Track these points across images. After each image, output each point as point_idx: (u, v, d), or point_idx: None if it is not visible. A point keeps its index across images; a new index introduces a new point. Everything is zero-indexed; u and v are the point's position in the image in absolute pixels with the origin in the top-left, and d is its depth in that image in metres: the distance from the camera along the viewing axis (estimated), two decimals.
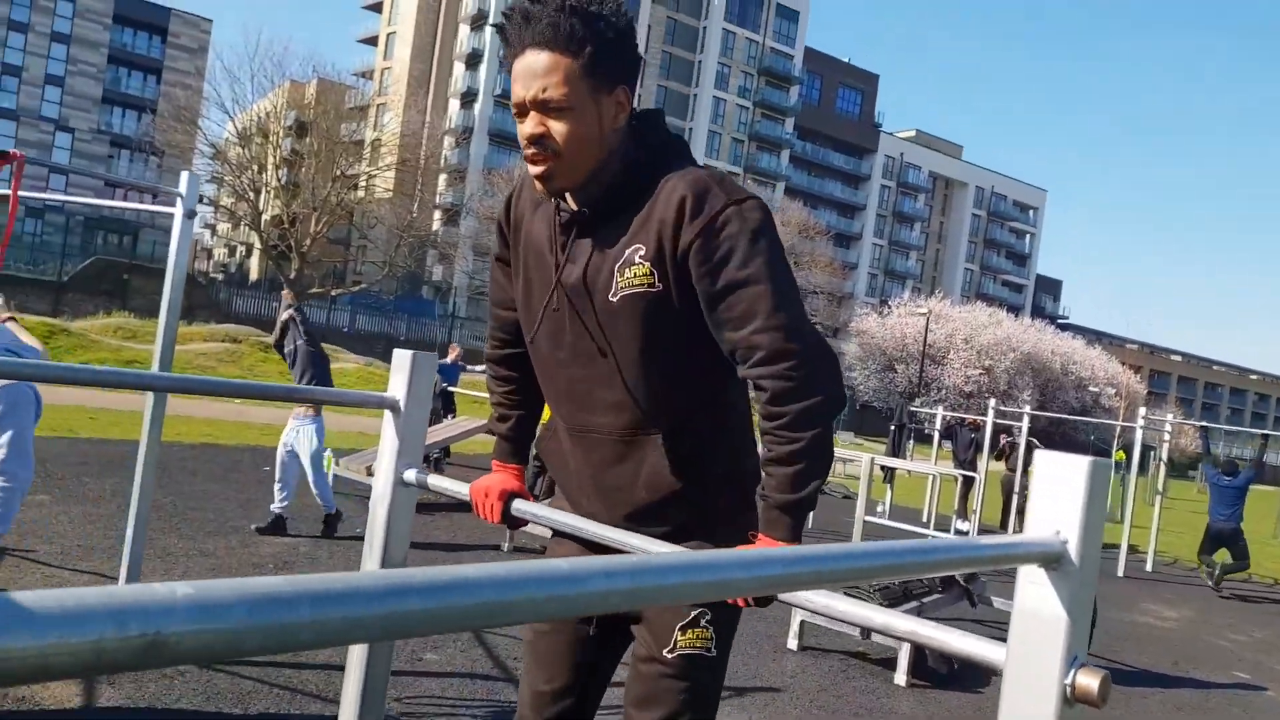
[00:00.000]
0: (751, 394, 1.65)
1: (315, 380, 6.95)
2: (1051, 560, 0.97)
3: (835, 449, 1.68)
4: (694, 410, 1.70)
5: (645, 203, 1.61)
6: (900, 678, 5.10)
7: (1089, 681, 0.96)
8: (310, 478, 7.00)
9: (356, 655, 1.77)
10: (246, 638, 0.38)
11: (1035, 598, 0.98)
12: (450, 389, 12.52)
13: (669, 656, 1.67)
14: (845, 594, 1.30)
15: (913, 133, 76.53)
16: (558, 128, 1.57)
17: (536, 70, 1.56)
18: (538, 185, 1.65)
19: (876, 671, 5.26)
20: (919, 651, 5.23)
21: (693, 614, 1.67)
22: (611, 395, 1.69)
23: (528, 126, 1.59)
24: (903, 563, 0.82)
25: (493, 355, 1.96)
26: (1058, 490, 0.99)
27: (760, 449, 1.66)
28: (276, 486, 6.86)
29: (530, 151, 1.60)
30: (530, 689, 1.83)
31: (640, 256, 1.61)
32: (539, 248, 1.74)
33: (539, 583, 0.48)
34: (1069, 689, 0.96)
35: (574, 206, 1.67)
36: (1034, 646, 0.97)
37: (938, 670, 5.25)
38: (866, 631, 5.35)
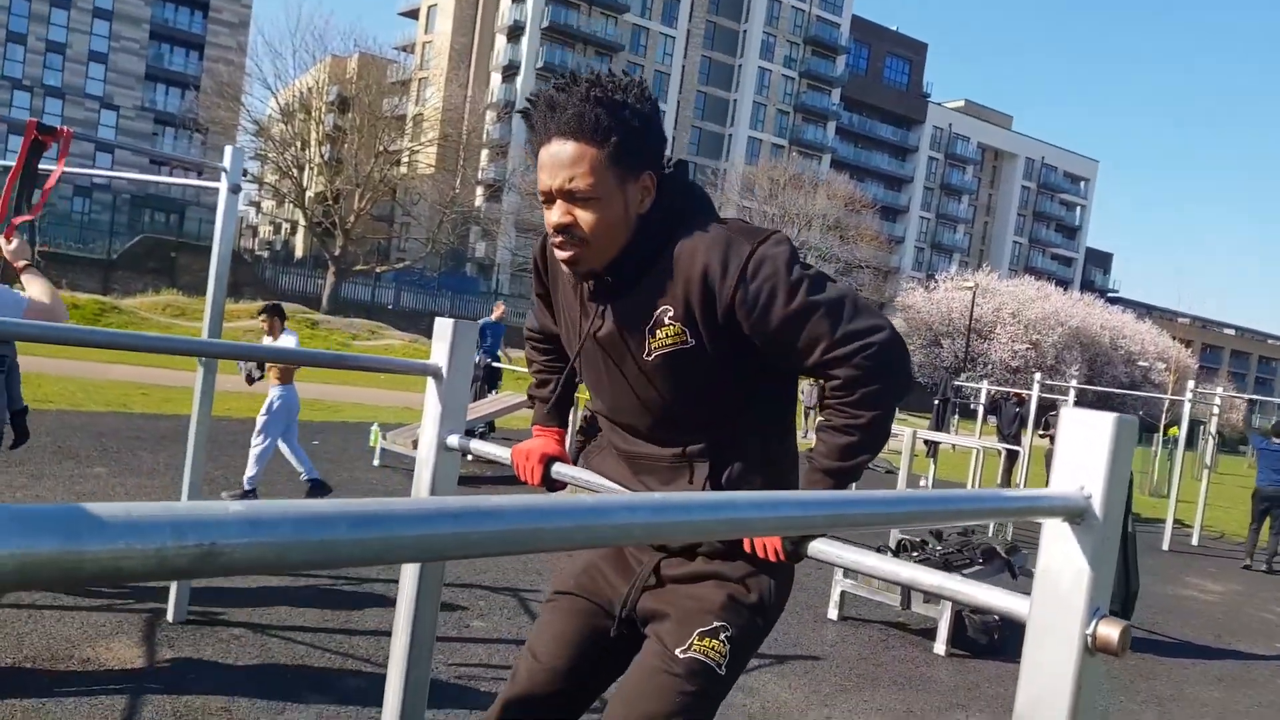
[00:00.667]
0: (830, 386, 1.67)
1: None
2: (1075, 514, 0.99)
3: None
4: (740, 439, 1.73)
5: (667, 265, 1.64)
6: (940, 647, 5.11)
7: (1109, 631, 0.98)
8: (282, 448, 7.14)
9: (403, 617, 1.83)
10: (292, 551, 0.42)
11: (1059, 551, 1.00)
12: (495, 364, 12.54)
13: (680, 655, 1.65)
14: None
15: (961, 103, 75.19)
16: (585, 217, 1.60)
17: (563, 160, 1.58)
18: (565, 269, 1.69)
19: (916, 641, 5.28)
20: (959, 621, 5.23)
21: (714, 624, 1.66)
22: (659, 434, 1.74)
23: (555, 215, 1.61)
24: (923, 510, 0.85)
25: (534, 325, 2.01)
26: (1083, 446, 1.01)
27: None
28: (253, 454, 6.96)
29: (558, 240, 1.63)
30: (531, 661, 1.79)
31: (669, 318, 1.64)
32: (570, 303, 1.78)
33: (566, 513, 0.51)
34: (1090, 639, 0.98)
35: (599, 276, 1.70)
36: (1057, 598, 0.99)
37: (977, 640, 5.25)
38: (906, 601, 5.35)
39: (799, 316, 1.56)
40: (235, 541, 0.40)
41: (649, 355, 1.67)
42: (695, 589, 1.71)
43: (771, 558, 1.53)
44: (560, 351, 1.96)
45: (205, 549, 0.39)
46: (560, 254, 1.65)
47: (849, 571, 5.57)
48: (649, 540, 0.56)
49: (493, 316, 13.38)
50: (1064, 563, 1.00)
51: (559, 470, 1.82)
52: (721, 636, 1.66)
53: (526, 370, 2.10)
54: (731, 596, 1.69)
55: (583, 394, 1.90)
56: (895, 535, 6.14)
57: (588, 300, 1.72)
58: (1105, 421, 1.00)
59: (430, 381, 1.84)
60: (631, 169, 1.61)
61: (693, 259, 1.61)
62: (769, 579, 1.72)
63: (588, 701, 1.81)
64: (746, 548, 1.57)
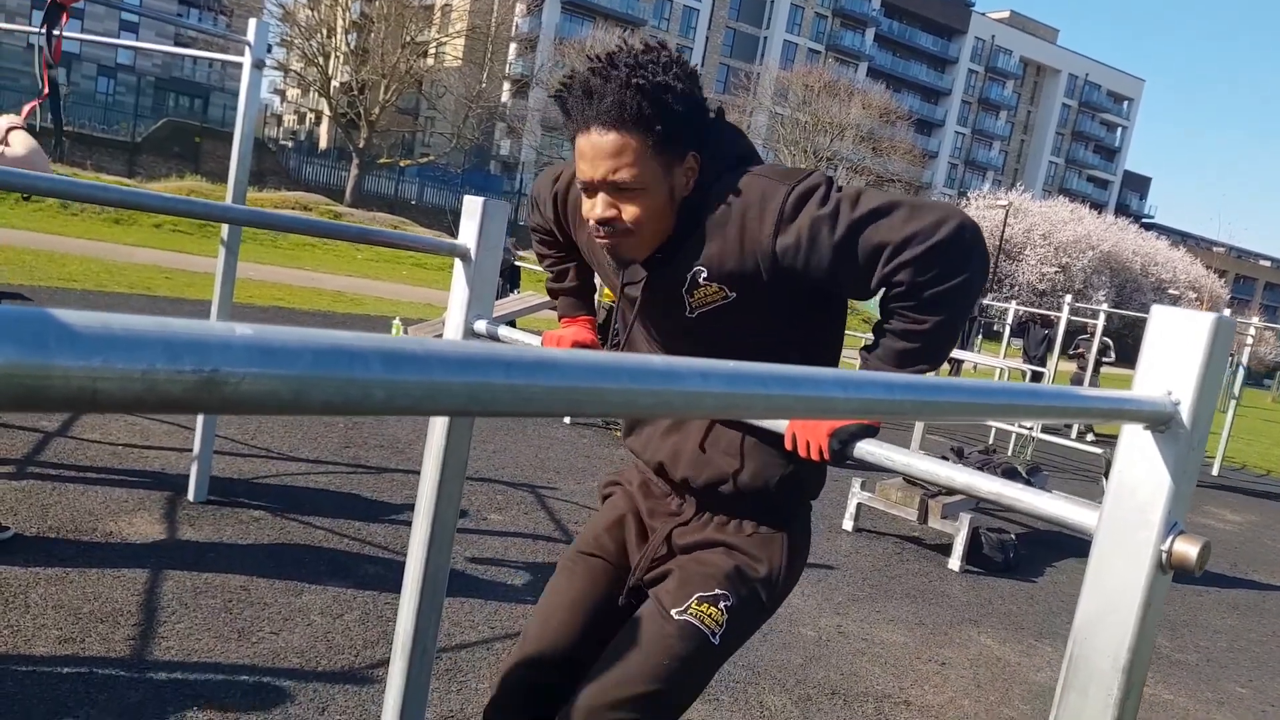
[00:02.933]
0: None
1: None
2: (1160, 421, 0.91)
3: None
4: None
5: (700, 224, 1.54)
6: (954, 563, 5.11)
7: (1187, 548, 0.91)
8: None
9: (425, 502, 1.79)
10: (312, 388, 0.35)
11: (1139, 459, 0.92)
12: (517, 264, 12.43)
13: (674, 615, 1.58)
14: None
15: (1007, 14, 72.59)
16: (629, 209, 1.50)
17: (604, 151, 1.46)
18: (606, 255, 1.59)
19: (930, 556, 5.28)
20: (974, 539, 5.22)
21: (716, 592, 1.59)
22: None
23: (598, 209, 1.51)
24: (1010, 403, 0.77)
25: (537, 224, 1.90)
26: (1174, 348, 0.92)
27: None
28: None
29: (600, 231, 1.52)
30: (541, 625, 1.72)
31: (704, 278, 1.55)
32: (604, 257, 1.66)
33: (633, 374, 0.44)
34: (1165, 555, 0.91)
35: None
36: (1133, 509, 0.92)
37: (992, 558, 5.25)
38: (923, 516, 5.34)
39: (850, 238, 1.45)
40: (242, 370, 0.33)
41: (691, 313, 1.59)
42: (703, 554, 1.64)
43: (815, 456, 1.45)
44: (570, 245, 1.85)
45: (204, 377, 0.32)
46: (604, 245, 1.55)
47: (866, 484, 5.56)
48: (719, 413, 0.48)
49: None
50: (1143, 473, 0.92)
51: None
52: (721, 605, 1.59)
53: (539, 266, 2.00)
54: (739, 567, 1.62)
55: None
56: (917, 441, 6.09)
57: (626, 285, 1.64)
58: (1201, 321, 0.91)
59: (457, 263, 1.76)
60: (676, 154, 1.50)
61: (727, 216, 1.51)
62: (782, 557, 1.65)
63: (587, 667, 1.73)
64: (789, 444, 1.49)
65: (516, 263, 12.37)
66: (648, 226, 1.52)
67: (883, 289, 1.49)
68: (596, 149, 1.47)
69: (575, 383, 0.42)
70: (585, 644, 1.68)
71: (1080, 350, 13.39)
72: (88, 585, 3.01)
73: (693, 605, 1.58)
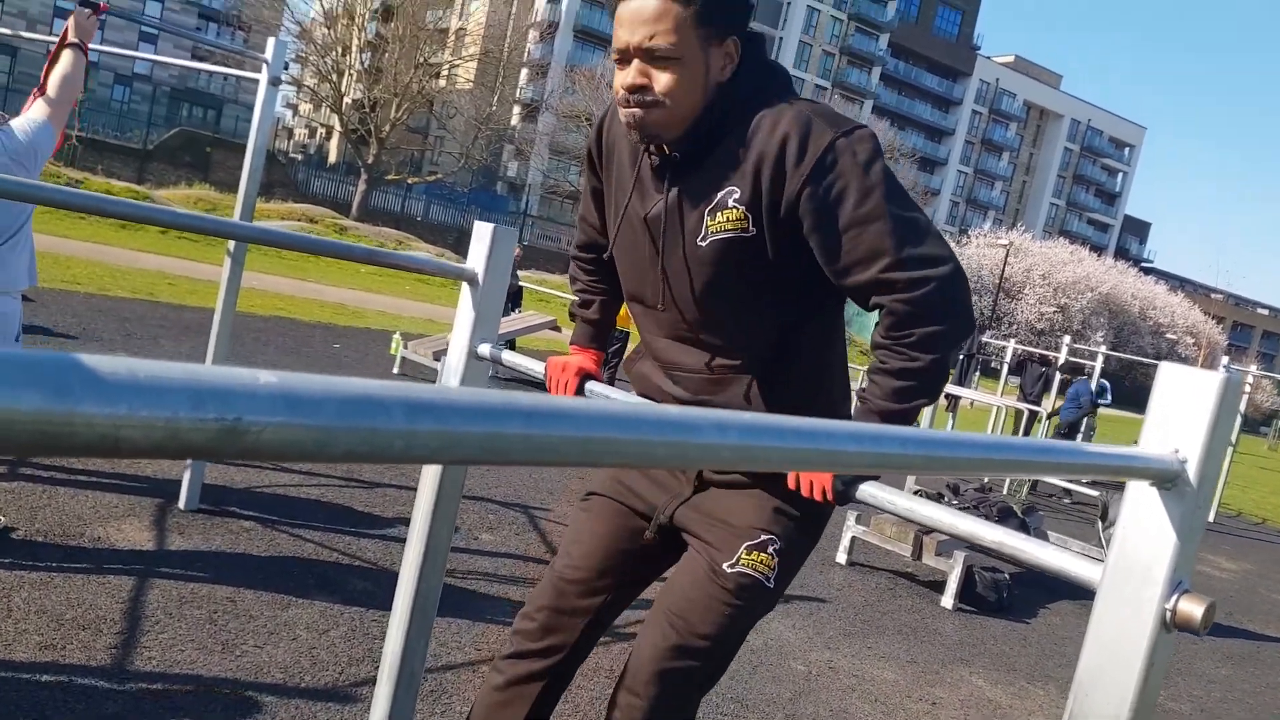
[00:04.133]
0: (877, 317, 1.55)
1: None
2: (1167, 479, 0.90)
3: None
4: (785, 354, 1.62)
5: (740, 140, 1.50)
6: (947, 601, 5.08)
7: (1192, 608, 0.90)
8: None
9: (420, 523, 1.78)
10: (334, 438, 0.34)
11: (1144, 516, 0.92)
12: (519, 284, 12.42)
13: (728, 570, 1.59)
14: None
15: (1011, 58, 73.20)
16: (662, 79, 1.47)
17: (645, 15, 1.44)
18: (631, 134, 1.55)
19: (923, 593, 5.25)
20: (968, 577, 5.20)
21: (762, 538, 1.60)
22: (701, 336, 1.63)
23: (629, 76, 1.48)
24: (1020, 459, 0.77)
25: (580, 251, 1.91)
26: (1181, 406, 0.92)
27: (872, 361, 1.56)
28: None
29: (629, 101, 1.49)
30: (566, 560, 1.77)
31: (734, 200, 1.50)
32: (623, 183, 1.65)
33: (650, 425, 0.43)
34: (1169, 613, 0.90)
35: (663, 150, 1.56)
36: (1137, 567, 0.92)
37: (986, 597, 5.22)
38: (917, 552, 5.32)
39: (865, 222, 1.43)
40: (265, 420, 0.33)
41: (703, 240, 1.54)
42: (740, 500, 1.64)
43: (818, 497, 1.45)
44: (606, 271, 1.85)
45: (228, 425, 0.32)
46: (625, 113, 1.51)
47: (861, 517, 5.54)
48: (735, 464, 0.48)
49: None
50: (1149, 530, 0.92)
51: (593, 388, 1.75)
52: (770, 550, 1.61)
53: (570, 289, 2.00)
54: (777, 509, 1.62)
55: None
56: (911, 485, 6.09)
57: (647, 176, 1.60)
58: (1210, 380, 0.91)
59: (464, 286, 1.75)
60: (717, 31, 1.47)
61: (770, 137, 1.47)
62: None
63: (623, 604, 1.78)
64: (792, 484, 1.49)
65: (520, 284, 12.35)
66: (679, 100, 1.48)
67: (862, 301, 1.49)
68: (636, 13, 1.45)
69: (592, 433, 0.41)
70: (611, 576, 1.74)
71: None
72: (72, 591, 2.99)
73: (742, 556, 1.60)
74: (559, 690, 1.79)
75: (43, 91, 3.12)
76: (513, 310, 11.99)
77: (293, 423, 0.33)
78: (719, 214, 1.52)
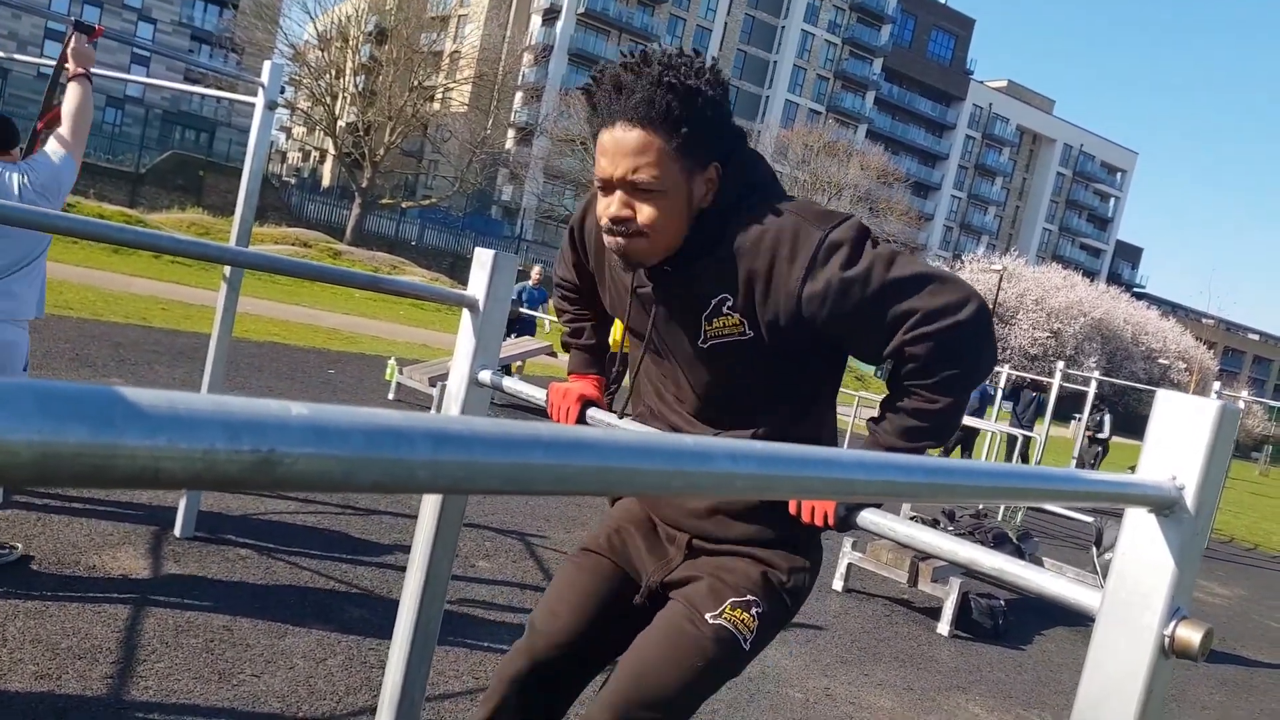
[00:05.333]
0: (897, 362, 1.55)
1: None
2: (1165, 506, 0.91)
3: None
4: (786, 425, 1.63)
5: (727, 250, 1.51)
6: (943, 627, 5.07)
7: (1190, 634, 0.91)
8: None
9: (420, 552, 1.78)
10: (362, 468, 0.35)
11: (1142, 543, 0.93)
12: (532, 314, 12.12)
13: (709, 620, 1.58)
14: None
15: (1004, 83, 73.82)
16: (645, 211, 1.48)
17: (626, 148, 1.45)
18: (615, 257, 1.58)
19: (919, 620, 5.24)
20: (964, 603, 5.19)
21: (748, 598, 1.60)
22: (703, 411, 1.66)
23: (614, 207, 1.50)
24: (1021, 486, 0.78)
25: (563, 277, 1.92)
26: (1179, 433, 0.93)
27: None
28: None
29: (613, 230, 1.51)
30: (548, 615, 1.72)
31: (728, 307, 1.53)
32: (618, 279, 1.68)
33: (667, 455, 0.44)
34: (1168, 640, 0.91)
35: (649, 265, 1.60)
36: (1135, 593, 0.92)
37: (981, 624, 5.21)
38: (913, 579, 5.31)
39: (878, 300, 1.44)
40: (297, 451, 0.33)
41: (704, 343, 1.57)
42: (730, 561, 1.64)
43: (819, 523, 1.45)
44: (591, 298, 1.87)
45: (261, 456, 0.33)
46: (613, 244, 1.53)
47: (857, 544, 5.53)
48: (749, 494, 0.49)
49: (530, 282, 12.38)
50: (1147, 557, 0.92)
51: (594, 415, 1.75)
52: (753, 611, 1.60)
53: (557, 320, 2.01)
54: (765, 575, 1.63)
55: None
56: (906, 511, 6.09)
57: (638, 288, 1.63)
58: (1207, 408, 0.92)
59: (465, 313, 1.76)
60: (699, 161, 1.49)
61: (757, 247, 1.49)
62: (803, 565, 1.66)
63: (601, 664, 1.74)
64: (794, 510, 1.50)
65: (532, 313, 12.20)
66: (661, 231, 1.49)
67: (894, 360, 1.49)
68: (619, 145, 1.46)
69: (611, 463, 0.42)
70: (591, 637, 1.69)
71: (1090, 431, 13.56)
72: (67, 620, 2.97)
73: (726, 610, 1.59)
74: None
75: (44, 122, 3.15)
76: (509, 335, 11.91)
77: (323, 454, 0.34)
78: (715, 320, 1.55)
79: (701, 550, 1.68)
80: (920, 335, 1.44)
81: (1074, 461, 13.39)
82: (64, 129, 3.14)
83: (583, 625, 1.69)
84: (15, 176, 2.96)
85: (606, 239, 1.54)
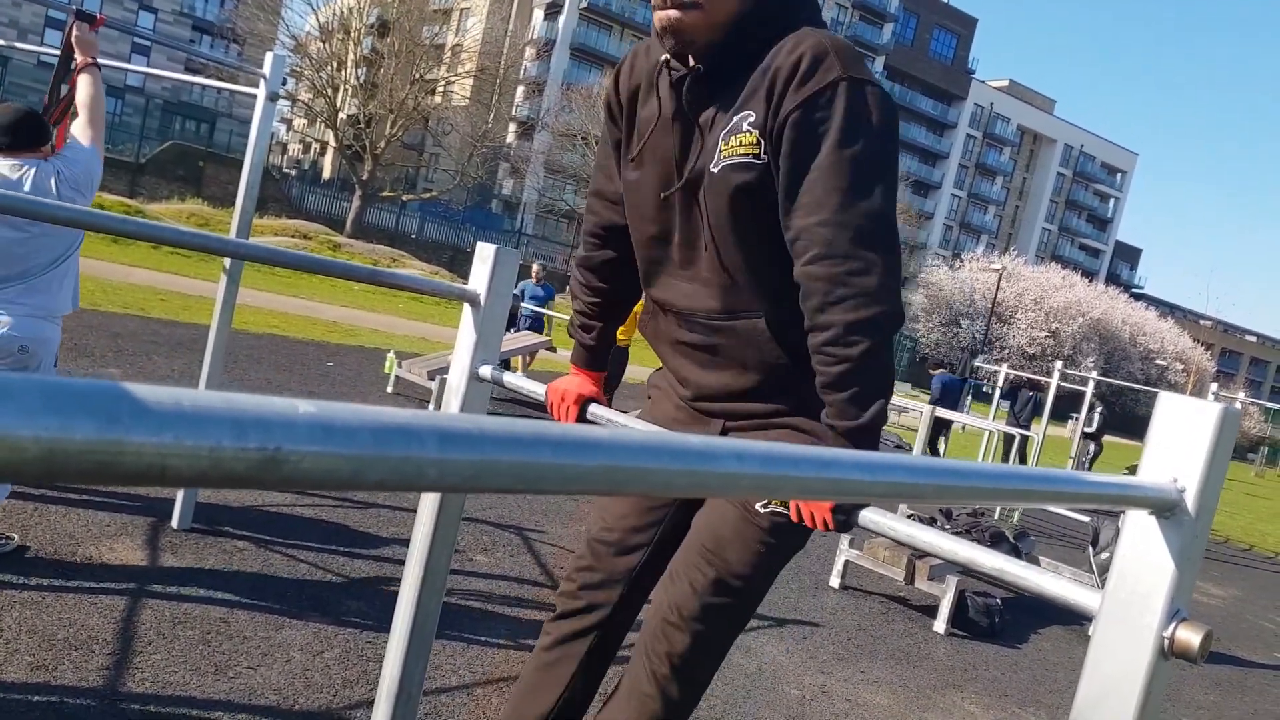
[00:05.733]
0: (800, 300, 1.51)
1: None
2: (1165, 508, 0.91)
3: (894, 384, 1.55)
4: (788, 322, 1.58)
5: (761, 62, 1.48)
6: (940, 625, 5.08)
7: (1190, 636, 0.91)
8: None
9: (420, 545, 1.78)
10: (370, 466, 0.35)
11: (1142, 545, 0.93)
12: (540, 310, 12.04)
13: (761, 509, 1.60)
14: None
15: (1006, 82, 73.76)
16: None
17: None
18: (664, 40, 1.53)
19: (916, 617, 5.25)
20: (960, 601, 5.20)
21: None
22: (711, 277, 1.61)
23: None
24: (1025, 487, 0.78)
25: (586, 260, 1.88)
26: (1180, 435, 0.93)
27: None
28: None
29: (665, 2, 1.48)
30: (595, 531, 1.78)
31: (749, 124, 1.49)
32: (652, 125, 1.63)
33: (673, 454, 0.44)
34: (1167, 641, 0.91)
35: (689, 65, 1.55)
36: (1135, 595, 0.92)
37: (978, 622, 5.22)
38: (910, 577, 5.32)
39: (830, 169, 1.41)
40: (304, 449, 0.33)
41: (716, 166, 1.52)
42: (770, 435, 1.65)
43: (819, 527, 1.45)
44: (611, 276, 1.86)
45: (268, 454, 0.32)
46: (662, 17, 1.49)
47: (854, 541, 5.54)
48: (753, 493, 0.49)
49: (533, 279, 12.26)
50: (1147, 558, 0.92)
51: (594, 412, 1.75)
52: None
53: (571, 305, 1.99)
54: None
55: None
56: (904, 510, 6.09)
57: (667, 102, 1.58)
58: (1209, 410, 0.92)
59: (466, 308, 1.76)
60: None
61: (790, 54, 1.45)
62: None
63: (662, 562, 1.76)
64: (794, 515, 1.50)
65: (540, 310, 12.14)
66: (713, 6, 1.47)
67: (796, 267, 1.46)
68: None
69: (619, 462, 0.42)
70: (642, 531, 1.75)
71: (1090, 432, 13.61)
72: (64, 611, 2.97)
73: (772, 502, 1.60)
74: (608, 652, 1.81)
75: (48, 112, 3.14)
76: (509, 329, 11.85)
77: (330, 452, 0.34)
78: (733, 138, 1.51)
79: (733, 428, 1.70)
80: (816, 256, 1.41)
81: (1071, 462, 13.40)
82: (85, 120, 3.15)
83: (631, 521, 1.77)
84: (52, 175, 2.98)
85: (658, 17, 1.50)
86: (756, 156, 1.49)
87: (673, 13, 1.48)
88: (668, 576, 1.68)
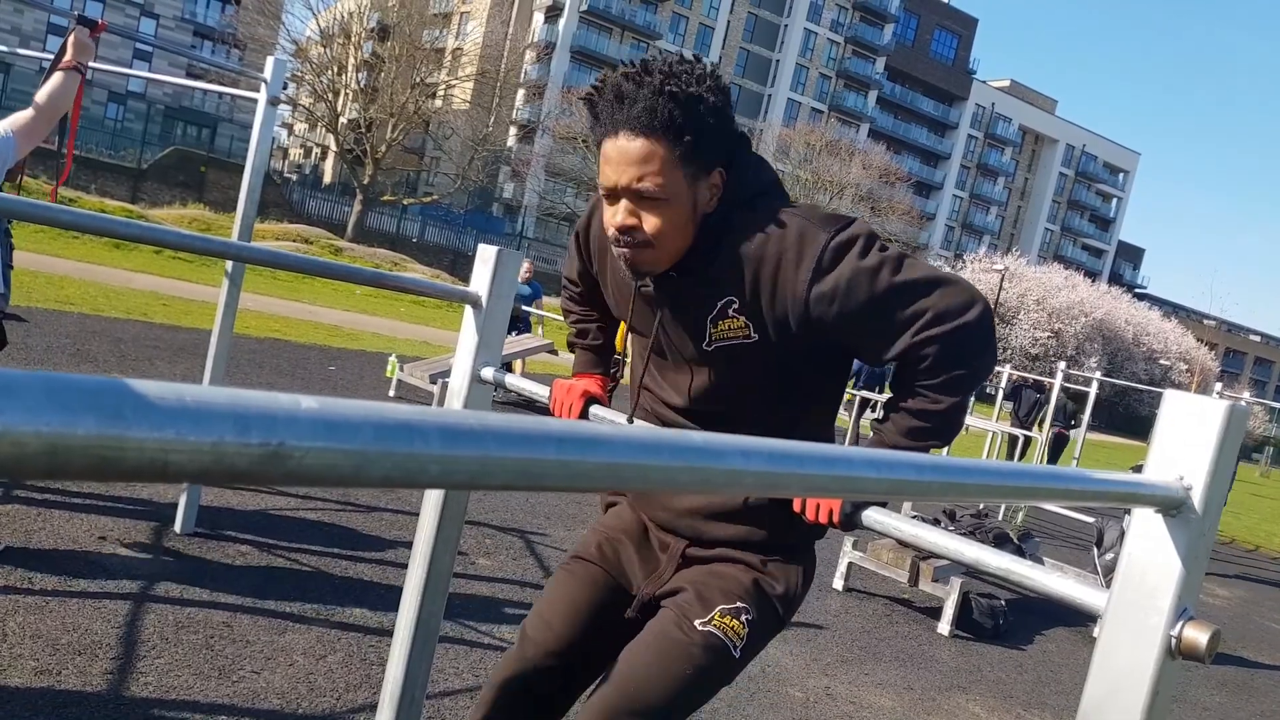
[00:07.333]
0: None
1: None
2: (1172, 506, 0.91)
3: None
4: (788, 427, 1.62)
5: (732, 253, 1.52)
6: (944, 627, 5.07)
7: (1197, 635, 0.90)
8: None
9: (422, 549, 1.78)
10: (372, 462, 0.35)
11: (1149, 543, 0.92)
12: (527, 309, 12.08)
13: (699, 627, 1.56)
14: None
15: (1007, 82, 73.76)
16: (651, 220, 1.49)
17: (630, 157, 1.45)
18: (622, 267, 1.58)
19: (919, 619, 5.24)
20: (964, 603, 5.19)
21: (738, 605, 1.59)
22: (704, 417, 1.65)
23: (619, 216, 1.50)
24: (1031, 485, 0.77)
25: (570, 275, 1.90)
26: (1186, 433, 0.93)
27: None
28: None
29: (619, 240, 1.52)
30: (540, 624, 1.70)
31: (734, 310, 1.53)
32: (622, 283, 1.67)
33: (678, 451, 0.44)
34: (1174, 640, 0.91)
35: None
36: (1141, 594, 0.92)
37: (982, 624, 5.21)
38: (914, 579, 5.31)
39: (886, 300, 1.45)
40: (307, 445, 0.33)
41: (709, 345, 1.57)
42: (721, 568, 1.64)
43: (824, 520, 1.45)
44: (596, 300, 1.87)
45: (271, 450, 0.32)
46: (620, 253, 1.54)
47: (858, 543, 5.53)
48: (758, 490, 0.49)
49: (521, 276, 12.34)
50: (1153, 557, 0.92)
51: (597, 412, 1.75)
52: (743, 618, 1.59)
53: (562, 320, 2.00)
54: (757, 582, 1.62)
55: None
56: (908, 510, 6.08)
57: (641, 288, 1.62)
58: (1215, 408, 0.91)
59: (468, 310, 1.76)
60: (703, 168, 1.49)
61: (763, 250, 1.49)
62: (797, 572, 1.65)
63: (593, 675, 1.71)
64: (798, 508, 1.50)
65: (527, 309, 12.15)
66: (668, 239, 1.50)
67: (901, 360, 1.49)
68: (623, 154, 1.46)
69: (623, 459, 0.42)
70: (585, 647, 1.67)
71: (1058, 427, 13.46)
72: (67, 615, 2.97)
73: (715, 617, 1.57)
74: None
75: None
76: (508, 333, 11.85)
77: (333, 447, 0.33)
78: (721, 323, 1.54)
79: (694, 559, 1.67)
80: (929, 337, 1.44)
81: (1074, 461, 13.37)
82: (35, 104, 3.06)
83: (575, 634, 1.67)
84: None
85: (614, 249, 1.55)
86: (748, 337, 1.54)
87: (627, 251, 1.52)
88: (597, 689, 1.62)
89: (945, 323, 1.44)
